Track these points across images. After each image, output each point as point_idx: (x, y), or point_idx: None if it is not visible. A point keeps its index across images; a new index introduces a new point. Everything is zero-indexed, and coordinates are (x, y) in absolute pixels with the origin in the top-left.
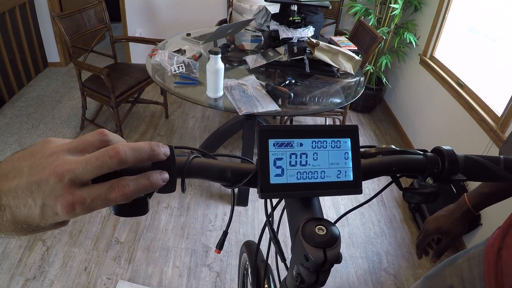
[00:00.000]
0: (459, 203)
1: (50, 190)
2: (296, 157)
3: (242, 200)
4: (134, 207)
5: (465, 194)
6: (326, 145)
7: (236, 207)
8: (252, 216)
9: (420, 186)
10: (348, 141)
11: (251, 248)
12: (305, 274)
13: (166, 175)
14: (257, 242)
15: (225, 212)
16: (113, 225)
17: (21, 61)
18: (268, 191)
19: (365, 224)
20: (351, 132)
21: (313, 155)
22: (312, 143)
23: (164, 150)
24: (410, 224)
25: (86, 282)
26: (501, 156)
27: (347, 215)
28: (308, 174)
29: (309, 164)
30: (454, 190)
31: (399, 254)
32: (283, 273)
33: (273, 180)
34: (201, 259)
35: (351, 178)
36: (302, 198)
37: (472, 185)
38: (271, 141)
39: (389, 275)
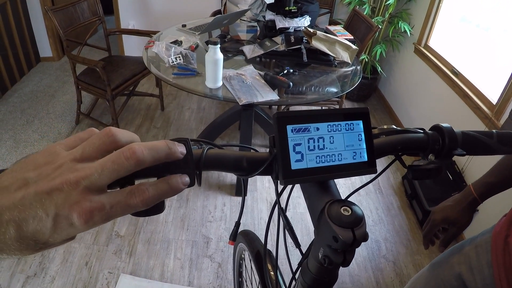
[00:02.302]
0: (465, 193)
1: (64, 199)
2: (314, 142)
3: (240, 190)
4: (151, 206)
5: (470, 184)
6: (341, 128)
7: (235, 198)
8: (252, 206)
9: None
10: (360, 123)
11: (249, 238)
12: (333, 255)
13: (186, 179)
14: (264, 226)
15: (224, 202)
16: None
17: (13, 56)
18: (290, 177)
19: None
20: (363, 114)
21: (330, 138)
22: (328, 127)
23: (180, 149)
24: (407, 211)
25: (88, 277)
26: (494, 131)
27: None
28: (327, 157)
29: (326, 148)
30: (450, 177)
31: (397, 241)
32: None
33: (294, 165)
34: (202, 250)
35: (366, 159)
36: (320, 182)
37: (469, 172)
38: (289, 127)
39: (388, 262)
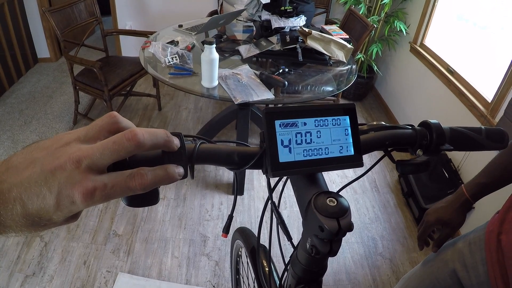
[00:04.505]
0: (457, 194)
1: (67, 177)
2: (301, 136)
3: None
4: (146, 196)
5: (462, 185)
6: (328, 123)
7: (232, 196)
8: (248, 204)
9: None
10: (347, 118)
11: (245, 234)
12: (319, 244)
13: (181, 170)
14: (258, 224)
15: (221, 201)
16: (110, 218)
17: (11, 57)
18: (278, 170)
19: (359, 210)
20: (349, 110)
21: (317, 133)
22: (315, 122)
23: (175, 141)
24: (404, 209)
25: (86, 275)
26: (482, 127)
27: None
28: (314, 151)
29: (313, 142)
30: (446, 175)
31: (394, 239)
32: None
33: (282, 158)
34: (199, 248)
35: (352, 153)
36: (308, 174)
37: (465, 170)
38: (277, 122)
39: (384, 259)
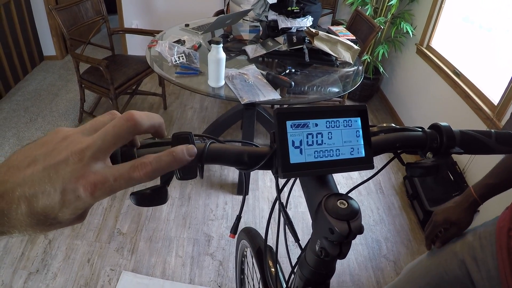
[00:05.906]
0: (465, 195)
1: (70, 172)
2: (312, 137)
3: (242, 189)
4: (154, 196)
5: (471, 186)
6: (339, 125)
7: (237, 196)
8: (253, 205)
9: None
10: (358, 120)
11: (251, 234)
12: (329, 247)
13: (194, 150)
14: (265, 225)
15: (225, 201)
16: (114, 216)
17: (17, 55)
18: (289, 171)
19: (364, 211)
20: (361, 112)
21: (328, 134)
22: (326, 123)
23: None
24: (408, 211)
25: (90, 273)
26: (492, 130)
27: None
28: (325, 152)
29: (324, 143)
30: (452, 178)
31: (398, 241)
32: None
33: (293, 159)
34: (203, 248)
35: (363, 155)
36: (318, 176)
37: (470, 172)
38: (288, 123)
39: (388, 262)
